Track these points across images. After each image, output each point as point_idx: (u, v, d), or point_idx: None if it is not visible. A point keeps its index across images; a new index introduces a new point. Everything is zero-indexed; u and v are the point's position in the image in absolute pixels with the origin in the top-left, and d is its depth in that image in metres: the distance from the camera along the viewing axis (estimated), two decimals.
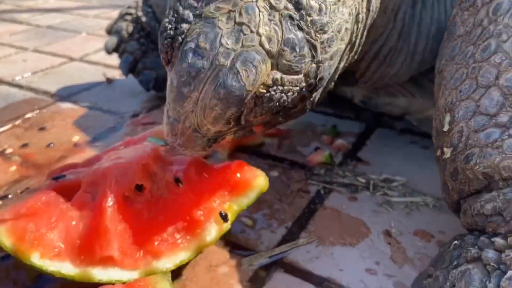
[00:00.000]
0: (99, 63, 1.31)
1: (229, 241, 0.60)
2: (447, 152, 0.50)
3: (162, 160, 0.57)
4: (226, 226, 0.53)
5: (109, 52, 1.03)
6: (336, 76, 0.61)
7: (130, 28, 1.01)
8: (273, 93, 0.47)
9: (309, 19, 0.47)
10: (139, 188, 0.53)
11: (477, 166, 0.45)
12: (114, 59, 1.15)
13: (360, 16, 0.57)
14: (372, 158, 0.80)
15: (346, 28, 0.52)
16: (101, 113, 1.00)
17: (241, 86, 0.45)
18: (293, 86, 0.48)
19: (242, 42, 0.45)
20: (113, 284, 0.48)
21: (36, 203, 0.50)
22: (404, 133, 0.90)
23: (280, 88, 0.48)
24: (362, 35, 0.60)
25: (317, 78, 0.50)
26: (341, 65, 0.59)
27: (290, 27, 0.46)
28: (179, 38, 0.47)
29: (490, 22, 0.50)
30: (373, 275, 0.55)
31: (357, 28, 0.57)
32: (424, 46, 0.69)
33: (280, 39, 0.46)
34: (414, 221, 0.64)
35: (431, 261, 0.49)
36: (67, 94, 1.10)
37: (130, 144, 0.63)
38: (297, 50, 0.46)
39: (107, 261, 0.49)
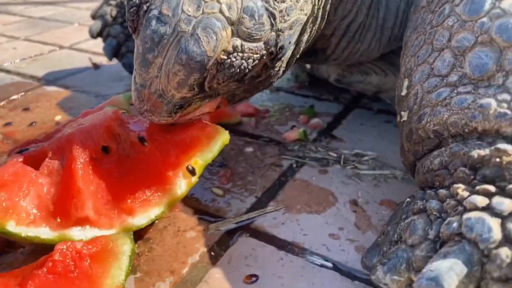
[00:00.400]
0: (88, 51, 1.33)
1: (199, 209, 0.62)
2: (404, 115, 0.51)
3: (124, 122, 0.59)
4: (194, 180, 0.55)
5: (93, 36, 1.05)
6: (301, 49, 0.62)
7: (114, 12, 1.02)
8: (233, 59, 0.49)
9: None
10: (106, 149, 0.55)
11: (428, 124, 0.46)
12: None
13: None
14: (346, 136, 0.82)
15: None
16: (86, 95, 1.02)
17: (202, 51, 0.47)
18: (253, 54, 0.50)
19: (203, 9, 0.47)
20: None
21: (4, 175, 0.50)
22: (380, 113, 0.91)
23: (240, 54, 0.49)
24: (325, 8, 0.62)
25: (278, 47, 0.52)
26: (305, 37, 0.60)
27: None
28: (144, 6, 0.49)
29: None
30: (336, 240, 0.56)
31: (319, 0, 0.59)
32: (394, 21, 0.70)
33: (240, 6, 0.48)
34: (381, 192, 0.66)
35: (387, 220, 0.50)
36: (54, 78, 1.12)
37: (88, 114, 0.64)
38: (256, 18, 0.48)
39: (84, 221, 0.50)
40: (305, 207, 0.62)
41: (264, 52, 0.51)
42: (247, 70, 0.51)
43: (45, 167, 0.53)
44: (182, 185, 0.54)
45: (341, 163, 0.73)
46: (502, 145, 0.40)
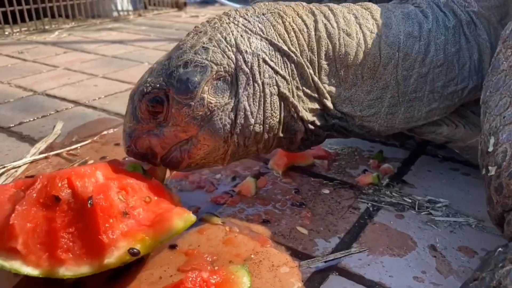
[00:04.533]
0: None
1: (288, 246, 0.68)
2: (492, 170, 0.56)
3: (98, 178, 0.60)
4: (131, 257, 0.56)
5: None
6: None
7: None
8: (141, 88, 0.67)
9: (176, 47, 0.71)
10: (57, 198, 0.57)
11: None
12: None
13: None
14: (416, 182, 0.86)
15: (203, 47, 0.67)
16: None
17: (133, 89, 0.70)
18: (154, 83, 0.66)
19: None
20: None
21: None
22: (446, 160, 0.96)
23: (145, 84, 0.67)
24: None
25: (175, 80, 0.65)
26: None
27: (166, 55, 0.70)
28: None
29: None
30: (420, 283, 0.61)
31: None
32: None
33: (160, 60, 0.70)
34: (458, 238, 0.70)
35: (476, 268, 0.54)
36: None
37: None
38: (162, 61, 0.69)
39: (12, 251, 0.53)
40: (387, 249, 0.67)
41: (163, 83, 0.65)
42: (155, 98, 0.65)
43: (12, 196, 0.58)
44: (113, 257, 0.54)
45: (416, 208, 0.77)
46: None
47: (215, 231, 0.71)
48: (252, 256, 0.66)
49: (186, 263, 0.63)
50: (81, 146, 1.02)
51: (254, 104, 0.67)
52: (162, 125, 0.66)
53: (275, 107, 0.69)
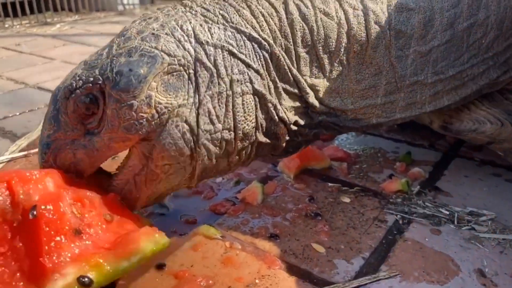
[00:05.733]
0: None
1: (300, 268, 0.56)
2: None
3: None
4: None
5: None
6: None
7: None
8: (73, 83, 0.51)
9: (121, 34, 0.55)
10: None
11: None
12: None
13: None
14: (452, 189, 0.73)
15: (153, 34, 0.54)
16: None
17: (58, 86, 0.53)
18: (88, 77, 0.50)
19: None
20: None
21: None
22: (485, 164, 0.82)
23: (77, 79, 0.51)
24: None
25: (113, 72, 0.50)
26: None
27: (108, 44, 0.54)
28: None
29: None
30: None
31: None
32: None
33: (95, 53, 0.54)
34: (510, 261, 0.57)
35: None
36: None
37: None
38: (99, 52, 0.53)
39: None
40: (423, 274, 0.54)
41: (98, 76, 0.50)
42: (87, 95, 0.50)
43: None
44: (57, 285, 0.42)
45: (455, 222, 0.64)
46: None
47: (213, 248, 0.59)
48: (257, 280, 0.53)
49: None
50: None
51: (220, 106, 0.54)
52: (93, 133, 0.51)
53: (248, 109, 0.56)
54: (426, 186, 0.74)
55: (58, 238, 0.43)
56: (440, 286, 0.53)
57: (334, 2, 0.61)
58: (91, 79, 0.50)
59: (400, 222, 0.65)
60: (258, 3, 0.59)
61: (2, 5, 2.25)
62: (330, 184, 0.75)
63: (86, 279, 0.42)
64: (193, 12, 0.57)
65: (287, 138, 0.62)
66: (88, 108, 0.50)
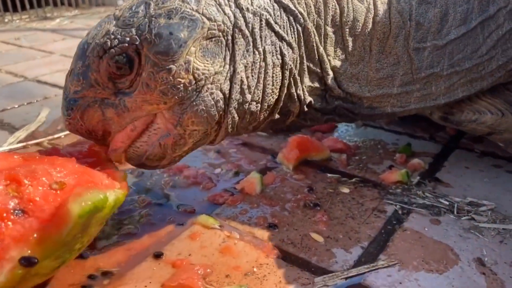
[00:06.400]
0: None
1: (299, 257, 0.55)
2: None
3: None
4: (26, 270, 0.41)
5: None
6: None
7: None
8: (106, 40, 0.49)
9: None
10: None
11: None
12: None
13: None
14: (452, 180, 0.73)
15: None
16: None
17: (85, 40, 0.51)
18: (125, 36, 0.49)
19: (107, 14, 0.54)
20: None
21: None
22: (485, 155, 0.81)
23: (112, 36, 0.49)
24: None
25: (152, 33, 0.48)
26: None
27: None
28: None
29: None
30: None
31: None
32: None
33: (127, 6, 0.52)
34: (510, 250, 0.56)
35: None
36: None
37: None
38: (133, 8, 0.51)
39: None
40: (422, 263, 0.54)
41: (135, 37, 0.49)
42: (122, 55, 0.49)
43: None
44: (3, 275, 0.40)
45: (455, 212, 0.64)
46: None
47: (211, 237, 0.59)
48: (255, 269, 0.53)
49: (173, 278, 0.51)
50: (65, 135, 0.90)
51: (253, 76, 0.53)
52: (124, 93, 0.50)
53: (276, 82, 0.55)
54: (426, 177, 0.73)
55: None
56: (439, 275, 0.52)
57: None
58: (128, 39, 0.48)
59: (400, 212, 0.64)
60: None
61: (2, 0, 2.24)
62: (329, 175, 0.74)
63: (29, 259, 0.40)
64: None
65: (294, 118, 0.62)
66: (121, 68, 0.49)
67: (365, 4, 0.61)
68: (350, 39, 0.61)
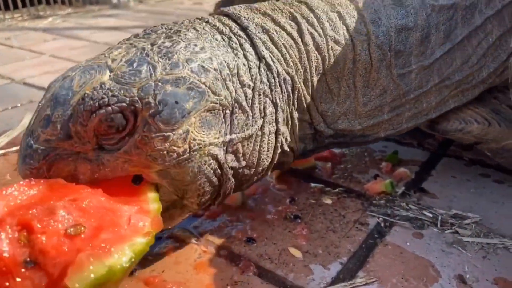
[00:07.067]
0: None
1: (275, 273, 0.54)
2: None
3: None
4: None
5: None
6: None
7: None
8: (95, 93, 0.45)
9: (156, 49, 0.49)
10: None
11: None
12: None
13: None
14: (438, 191, 0.71)
15: (202, 67, 0.49)
16: None
17: (70, 87, 0.46)
18: (121, 95, 0.45)
19: (92, 61, 0.48)
20: None
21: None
22: (473, 164, 0.80)
23: (104, 91, 0.45)
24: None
25: (156, 99, 0.46)
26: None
27: (138, 54, 0.48)
28: None
29: None
30: None
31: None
32: None
33: (124, 59, 0.48)
34: (493, 266, 0.55)
35: None
36: None
37: None
38: (134, 65, 0.47)
39: None
40: (401, 281, 0.53)
41: (136, 98, 0.45)
42: (110, 109, 0.45)
43: None
44: None
45: (438, 225, 0.62)
46: None
47: (187, 253, 0.57)
48: (229, 287, 0.52)
49: None
50: None
51: (248, 145, 0.53)
52: (104, 149, 0.47)
53: (270, 146, 0.56)
54: (411, 187, 0.72)
55: (3, 280, 0.37)
56: None
57: (342, 28, 0.61)
58: (127, 99, 0.45)
59: (382, 225, 0.63)
60: (278, 34, 0.57)
61: None
62: (312, 184, 0.73)
63: None
64: (234, 45, 0.54)
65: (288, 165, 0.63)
66: (113, 127, 0.45)
67: (344, 46, 0.60)
68: (334, 82, 0.61)
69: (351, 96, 0.62)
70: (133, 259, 0.41)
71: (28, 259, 0.38)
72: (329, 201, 0.68)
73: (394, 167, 0.77)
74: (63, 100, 0.45)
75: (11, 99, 1.14)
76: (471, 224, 0.63)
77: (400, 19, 0.62)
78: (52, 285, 0.38)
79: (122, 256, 0.40)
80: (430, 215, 0.65)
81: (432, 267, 0.55)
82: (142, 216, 0.44)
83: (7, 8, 2.27)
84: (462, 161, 0.81)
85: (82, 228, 0.40)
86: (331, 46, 0.59)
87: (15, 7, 2.32)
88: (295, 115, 0.59)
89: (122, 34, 1.93)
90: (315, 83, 0.59)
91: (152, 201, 0.47)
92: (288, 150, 0.59)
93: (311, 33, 0.59)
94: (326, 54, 0.59)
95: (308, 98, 0.59)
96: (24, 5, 2.34)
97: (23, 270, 0.37)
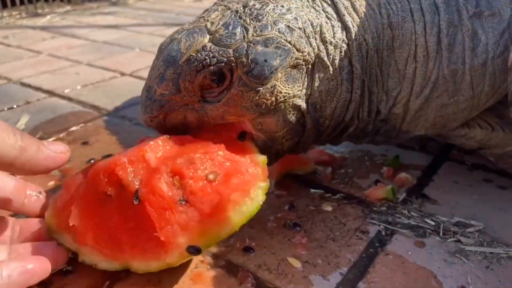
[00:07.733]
0: None
1: (274, 285, 0.53)
2: None
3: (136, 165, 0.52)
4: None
5: None
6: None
7: None
8: (199, 55, 0.53)
9: (248, 11, 0.56)
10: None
11: None
12: None
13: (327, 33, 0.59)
14: (440, 197, 0.70)
15: (288, 27, 0.55)
16: (147, 129, 0.96)
17: (178, 49, 0.54)
18: (220, 56, 0.53)
19: (194, 25, 0.56)
20: None
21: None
22: (476, 168, 0.79)
23: (206, 53, 0.53)
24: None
25: (249, 59, 0.53)
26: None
27: (232, 17, 0.55)
28: None
29: None
30: None
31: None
32: None
33: (221, 22, 0.55)
34: (496, 277, 0.54)
35: None
36: (114, 108, 1.08)
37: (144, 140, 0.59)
38: (230, 28, 0.54)
39: (86, 247, 0.51)
40: None
41: (232, 58, 0.53)
42: (211, 68, 0.53)
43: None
44: (174, 255, 0.48)
45: (441, 234, 0.61)
46: None
47: (184, 263, 0.56)
48: None
49: None
50: None
51: (327, 98, 0.60)
52: (208, 102, 0.55)
53: (345, 105, 0.62)
54: (413, 193, 0.71)
55: (165, 214, 0.47)
56: None
57: (411, 11, 0.63)
58: (225, 59, 0.53)
59: (383, 233, 0.61)
60: (359, 2, 0.62)
61: None
62: (312, 190, 0.72)
63: (195, 249, 0.47)
64: (317, 7, 0.60)
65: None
66: (213, 81, 0.54)
67: (411, 29, 0.62)
68: (402, 63, 0.62)
69: (413, 83, 0.63)
70: (262, 200, 0.51)
71: (182, 198, 0.48)
72: (329, 208, 0.67)
73: (395, 171, 0.76)
74: (172, 60, 0.54)
75: (8, 100, 1.13)
76: (474, 233, 0.61)
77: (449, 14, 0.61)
78: (207, 217, 0.48)
79: (258, 195, 0.50)
80: (432, 223, 0.63)
81: (434, 278, 0.54)
82: (255, 166, 0.53)
83: (4, 6, 2.25)
84: (465, 165, 0.80)
85: (218, 175, 0.50)
86: (401, 26, 0.62)
87: (13, 4, 2.30)
88: (366, 86, 0.62)
89: (120, 32, 1.92)
90: (385, 57, 0.62)
91: (257, 154, 0.56)
92: (356, 117, 0.64)
93: (387, 9, 0.62)
94: (397, 32, 0.61)
95: (378, 70, 0.62)
96: (22, 3, 2.32)
97: (179, 207, 0.48)
